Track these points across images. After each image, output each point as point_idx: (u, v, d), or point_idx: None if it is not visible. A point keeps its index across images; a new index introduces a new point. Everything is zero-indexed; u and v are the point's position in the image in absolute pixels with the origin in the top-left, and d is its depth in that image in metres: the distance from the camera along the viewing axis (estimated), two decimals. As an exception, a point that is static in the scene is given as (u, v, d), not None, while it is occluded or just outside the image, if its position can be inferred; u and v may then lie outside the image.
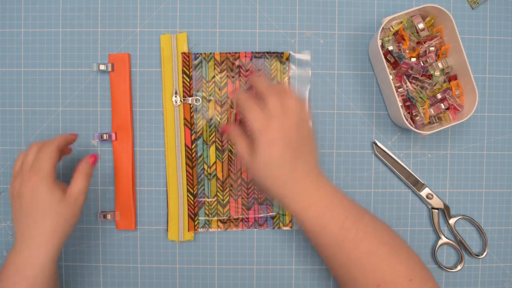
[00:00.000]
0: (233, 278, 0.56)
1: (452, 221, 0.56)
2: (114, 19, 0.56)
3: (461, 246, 0.56)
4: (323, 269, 0.56)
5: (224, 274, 0.56)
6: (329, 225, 0.45)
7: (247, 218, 0.56)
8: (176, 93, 0.55)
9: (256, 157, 0.45)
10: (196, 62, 0.55)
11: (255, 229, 0.56)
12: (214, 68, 0.55)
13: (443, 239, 0.56)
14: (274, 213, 0.56)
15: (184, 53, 0.55)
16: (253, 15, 0.56)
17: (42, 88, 0.56)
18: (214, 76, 0.55)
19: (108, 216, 0.55)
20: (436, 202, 0.56)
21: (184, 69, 0.55)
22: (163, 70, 0.55)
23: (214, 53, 0.55)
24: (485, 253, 0.56)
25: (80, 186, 0.47)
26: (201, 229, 0.56)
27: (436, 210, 0.56)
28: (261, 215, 0.56)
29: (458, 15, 0.57)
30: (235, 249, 0.56)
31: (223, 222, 0.56)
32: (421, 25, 0.53)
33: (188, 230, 0.55)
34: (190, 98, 0.55)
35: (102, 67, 0.54)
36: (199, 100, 0.55)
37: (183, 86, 0.55)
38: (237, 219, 0.56)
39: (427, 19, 0.53)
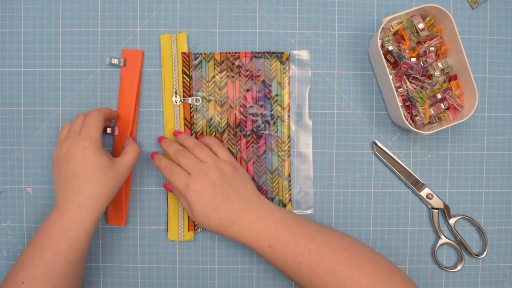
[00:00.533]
0: (233, 278, 0.56)
1: (452, 221, 0.56)
2: (114, 19, 0.56)
3: (461, 246, 0.56)
4: (323, 269, 0.56)
5: (224, 274, 0.56)
6: (282, 253, 0.46)
7: None
8: (176, 93, 0.55)
9: (192, 210, 0.48)
10: (196, 62, 0.55)
11: None
12: (214, 68, 0.55)
13: (443, 239, 0.56)
14: None
15: (184, 53, 0.55)
16: (253, 15, 0.56)
17: (42, 88, 0.56)
18: (214, 76, 0.55)
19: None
20: (436, 202, 0.56)
21: (184, 69, 0.55)
22: (163, 70, 0.55)
23: (214, 53, 0.55)
24: (485, 253, 0.56)
25: (130, 159, 0.49)
26: (201, 229, 0.56)
27: (436, 210, 0.56)
28: None
29: (458, 15, 0.57)
30: (235, 249, 0.56)
31: None
32: (421, 25, 0.53)
33: (188, 230, 0.55)
34: (190, 98, 0.55)
35: (115, 61, 0.54)
36: (199, 100, 0.55)
37: (183, 86, 0.55)
38: None
39: (427, 19, 0.53)
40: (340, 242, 0.47)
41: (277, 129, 0.56)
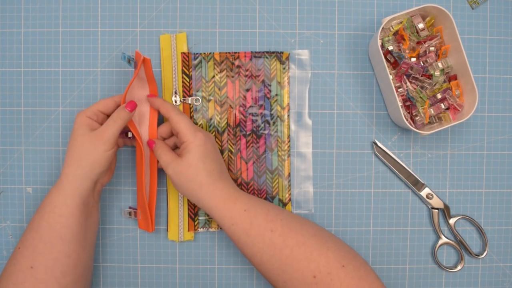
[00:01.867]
0: (233, 278, 0.56)
1: (452, 221, 0.56)
2: (114, 19, 0.56)
3: (461, 246, 0.56)
4: (323, 269, 0.56)
5: (224, 274, 0.56)
6: (256, 217, 0.47)
7: None
8: (175, 93, 0.55)
9: (190, 154, 0.48)
10: (195, 62, 0.55)
11: None
12: (214, 68, 0.55)
13: (443, 239, 0.56)
14: None
15: (184, 53, 0.55)
16: (253, 15, 0.56)
17: (42, 88, 0.56)
18: (213, 76, 0.55)
19: (132, 214, 0.54)
20: (436, 202, 0.56)
21: (184, 69, 0.55)
22: (162, 70, 0.55)
23: (213, 53, 0.55)
24: (485, 253, 0.56)
25: (108, 127, 0.48)
26: (201, 229, 0.56)
27: (436, 210, 0.56)
28: None
29: (458, 15, 0.57)
30: (235, 249, 0.56)
31: None
32: (421, 25, 0.53)
33: (188, 230, 0.55)
34: (190, 98, 0.55)
35: (130, 61, 0.51)
36: (198, 100, 0.55)
37: (183, 86, 0.55)
38: None
39: (427, 19, 0.53)
40: (304, 220, 0.49)
41: (277, 129, 0.56)
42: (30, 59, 0.56)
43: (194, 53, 0.55)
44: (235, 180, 0.56)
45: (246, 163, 0.56)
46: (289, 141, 0.56)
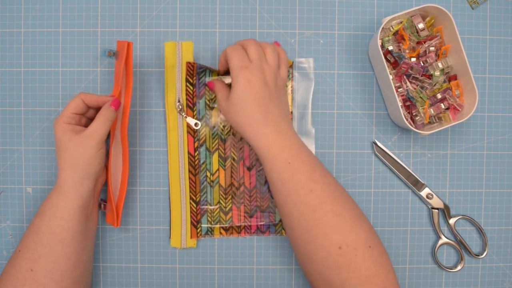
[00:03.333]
0: (233, 278, 0.56)
1: (452, 221, 0.56)
2: (114, 19, 0.56)
3: (461, 246, 0.56)
4: (323, 269, 0.56)
5: (224, 275, 0.56)
6: (298, 173, 0.46)
7: (250, 226, 0.56)
8: (179, 101, 0.54)
9: (233, 92, 0.47)
10: (200, 70, 0.55)
11: (259, 236, 0.56)
12: (218, 75, 0.55)
13: (443, 239, 0.56)
14: (276, 221, 0.56)
15: (189, 62, 0.54)
16: (253, 15, 0.56)
17: (42, 88, 0.56)
18: None
19: (102, 206, 0.54)
20: (436, 202, 0.56)
21: (188, 77, 0.54)
22: (166, 78, 0.54)
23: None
24: (485, 253, 0.56)
25: (93, 127, 0.48)
26: (204, 236, 0.56)
27: (436, 210, 0.56)
28: (263, 222, 0.56)
29: (458, 15, 0.57)
30: (235, 249, 0.56)
31: (225, 229, 0.56)
32: (421, 25, 0.53)
33: (191, 237, 0.55)
34: (190, 119, 0.54)
35: (110, 53, 0.52)
36: (198, 124, 0.55)
37: (186, 94, 0.54)
38: (240, 226, 0.56)
39: (427, 19, 0.53)
40: (346, 193, 0.48)
41: None
42: (30, 59, 0.56)
43: (200, 64, 0.54)
44: (237, 188, 0.56)
45: (249, 170, 0.55)
46: None
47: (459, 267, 0.56)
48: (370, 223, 0.47)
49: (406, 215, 0.57)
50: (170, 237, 0.55)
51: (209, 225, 0.55)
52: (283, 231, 0.56)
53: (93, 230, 0.51)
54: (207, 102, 0.55)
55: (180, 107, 0.54)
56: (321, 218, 0.45)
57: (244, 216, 0.56)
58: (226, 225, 0.56)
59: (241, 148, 0.55)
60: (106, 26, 0.56)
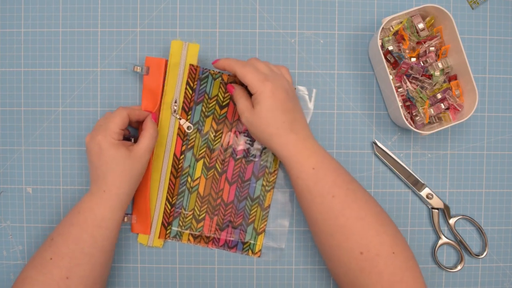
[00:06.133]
0: (233, 278, 0.56)
1: (452, 221, 0.56)
2: (114, 19, 0.56)
3: (461, 246, 0.56)
4: (323, 269, 0.56)
5: (224, 274, 0.56)
6: (322, 179, 0.47)
7: (218, 239, 0.55)
8: (176, 102, 0.54)
9: (260, 106, 0.48)
10: (202, 76, 0.54)
11: (224, 251, 0.56)
12: (220, 88, 0.54)
13: (443, 239, 0.56)
14: (245, 240, 0.56)
15: (192, 65, 0.53)
16: (253, 15, 0.56)
17: (42, 88, 0.56)
18: (217, 95, 0.55)
19: (125, 219, 0.54)
20: (436, 202, 0.56)
21: (189, 80, 0.54)
22: (167, 76, 0.54)
23: (222, 73, 0.54)
24: (485, 253, 0.56)
25: (146, 144, 0.50)
26: (172, 239, 0.55)
27: (436, 210, 0.56)
28: (233, 238, 0.55)
29: (458, 15, 0.57)
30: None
31: (194, 237, 0.55)
32: (421, 25, 0.53)
33: (159, 237, 0.55)
34: (184, 121, 0.54)
35: (137, 69, 0.53)
36: (191, 127, 0.54)
37: (184, 97, 0.54)
38: (209, 237, 0.55)
39: (427, 19, 0.53)
40: (371, 198, 0.48)
41: (267, 159, 0.55)
42: (30, 59, 0.56)
43: (203, 68, 0.54)
44: (215, 199, 0.55)
45: (229, 185, 0.55)
46: (276, 173, 0.55)
47: (459, 267, 0.56)
48: (397, 228, 0.47)
49: (406, 215, 0.57)
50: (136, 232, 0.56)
51: (179, 229, 0.55)
52: (250, 251, 0.55)
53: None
54: (204, 110, 0.55)
55: (176, 108, 0.54)
56: (344, 223, 0.45)
57: (215, 228, 0.55)
58: (196, 233, 0.55)
59: (226, 162, 0.55)
60: (106, 26, 0.56)
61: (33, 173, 0.56)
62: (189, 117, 0.55)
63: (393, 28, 0.53)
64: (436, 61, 0.53)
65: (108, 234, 0.49)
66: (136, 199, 0.55)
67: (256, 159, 0.55)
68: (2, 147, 0.56)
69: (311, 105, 0.56)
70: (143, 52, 0.56)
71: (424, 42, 0.53)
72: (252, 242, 0.55)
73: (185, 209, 0.55)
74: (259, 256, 0.56)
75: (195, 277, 0.56)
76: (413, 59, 0.53)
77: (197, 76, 0.54)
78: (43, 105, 0.56)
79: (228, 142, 0.55)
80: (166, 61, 0.54)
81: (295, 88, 0.56)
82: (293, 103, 0.49)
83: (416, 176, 0.56)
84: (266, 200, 0.55)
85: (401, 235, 0.47)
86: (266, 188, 0.55)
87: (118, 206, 0.49)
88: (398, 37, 0.53)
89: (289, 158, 0.48)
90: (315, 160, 0.48)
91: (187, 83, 0.54)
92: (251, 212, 0.55)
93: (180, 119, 0.54)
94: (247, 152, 0.55)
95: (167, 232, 0.55)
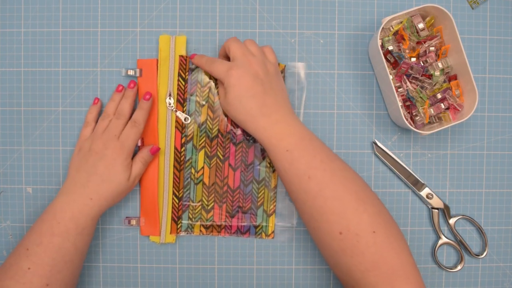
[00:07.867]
0: (233, 278, 0.56)
1: (452, 221, 0.56)
2: (114, 19, 0.56)
3: (461, 246, 0.56)
4: (323, 269, 0.56)
5: (224, 274, 0.56)
6: (297, 161, 0.46)
7: (230, 226, 0.56)
8: (170, 95, 0.54)
9: (228, 93, 0.49)
10: (192, 66, 0.55)
11: (238, 237, 0.56)
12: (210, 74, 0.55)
13: (443, 239, 0.56)
14: (257, 223, 0.56)
15: (182, 56, 0.54)
16: (253, 15, 0.56)
17: (42, 88, 0.56)
18: (209, 82, 0.55)
19: (133, 222, 0.55)
20: (436, 202, 0.56)
21: (180, 71, 0.54)
22: (158, 70, 0.55)
23: None
24: (485, 253, 0.56)
25: (138, 170, 0.52)
26: (183, 232, 0.55)
27: (436, 210, 0.56)
28: (244, 223, 0.56)
29: (458, 15, 0.57)
30: (235, 249, 0.56)
31: (205, 227, 0.56)
32: (421, 25, 0.53)
33: (171, 233, 0.55)
34: (180, 113, 0.54)
35: (130, 72, 0.54)
36: (188, 119, 0.55)
37: (178, 89, 0.55)
38: (220, 225, 0.56)
39: (427, 19, 0.53)
40: (354, 176, 0.47)
41: None
42: (30, 59, 0.56)
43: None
44: (221, 187, 0.55)
45: (234, 171, 0.55)
46: None
47: (459, 267, 0.56)
48: (381, 207, 0.46)
49: (406, 215, 0.57)
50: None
51: (190, 222, 0.55)
52: (263, 233, 0.56)
53: None
54: (198, 100, 0.55)
55: (171, 101, 0.54)
56: (322, 204, 0.45)
57: (226, 216, 0.55)
58: (207, 223, 0.55)
59: (227, 148, 0.55)
60: (106, 26, 0.56)
61: (33, 173, 0.56)
62: (184, 109, 0.55)
63: (393, 28, 0.53)
64: (436, 61, 0.53)
65: (88, 239, 0.50)
66: (144, 201, 0.55)
67: (257, 142, 0.55)
68: (2, 147, 0.56)
69: (303, 80, 0.56)
70: (143, 52, 0.56)
71: (424, 42, 0.53)
72: (264, 224, 0.55)
73: (193, 201, 0.55)
74: (273, 238, 0.56)
75: (195, 277, 0.56)
76: (413, 59, 0.53)
77: (187, 66, 0.54)
78: (43, 105, 0.56)
79: (226, 128, 0.55)
80: (157, 61, 0.54)
81: (284, 66, 0.56)
82: (264, 86, 0.49)
83: (416, 176, 0.56)
84: (272, 180, 0.55)
85: (386, 213, 0.46)
86: (270, 169, 0.55)
87: (99, 215, 0.50)
88: (398, 37, 0.53)
89: (263, 141, 0.49)
90: (288, 142, 0.47)
91: (179, 75, 0.54)
92: (259, 195, 0.55)
93: (176, 111, 0.54)
94: (246, 136, 0.55)
95: (178, 226, 0.55)
